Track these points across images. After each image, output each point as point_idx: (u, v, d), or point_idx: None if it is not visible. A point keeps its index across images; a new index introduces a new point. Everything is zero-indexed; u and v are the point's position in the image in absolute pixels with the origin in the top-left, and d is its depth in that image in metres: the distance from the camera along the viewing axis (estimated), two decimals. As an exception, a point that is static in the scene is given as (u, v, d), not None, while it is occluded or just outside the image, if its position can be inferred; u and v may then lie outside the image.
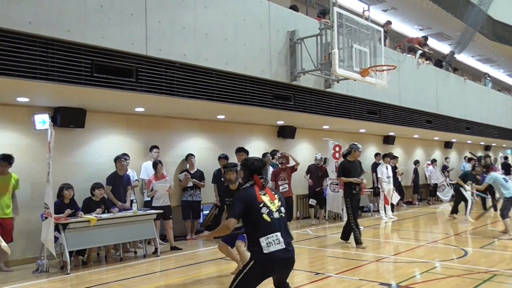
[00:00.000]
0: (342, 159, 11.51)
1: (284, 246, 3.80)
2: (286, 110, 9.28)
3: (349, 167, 8.75)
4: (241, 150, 9.14)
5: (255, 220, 3.81)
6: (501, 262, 7.22)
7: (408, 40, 15.22)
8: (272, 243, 3.76)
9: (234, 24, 8.05)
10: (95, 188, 7.83)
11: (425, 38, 15.06)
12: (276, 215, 3.88)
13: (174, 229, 9.01)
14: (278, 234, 3.80)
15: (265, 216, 3.82)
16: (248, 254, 6.04)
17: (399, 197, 13.31)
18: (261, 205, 3.85)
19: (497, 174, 10.09)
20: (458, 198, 12.44)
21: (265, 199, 3.91)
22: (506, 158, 20.15)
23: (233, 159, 9.41)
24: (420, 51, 14.44)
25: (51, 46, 5.85)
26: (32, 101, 7.49)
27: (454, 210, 12.53)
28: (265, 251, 3.73)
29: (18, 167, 7.34)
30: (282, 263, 3.81)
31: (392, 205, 13.47)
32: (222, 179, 6.67)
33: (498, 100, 19.73)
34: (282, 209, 3.97)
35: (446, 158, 19.64)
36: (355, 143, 8.89)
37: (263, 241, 3.74)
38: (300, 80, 9.15)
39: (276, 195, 4.03)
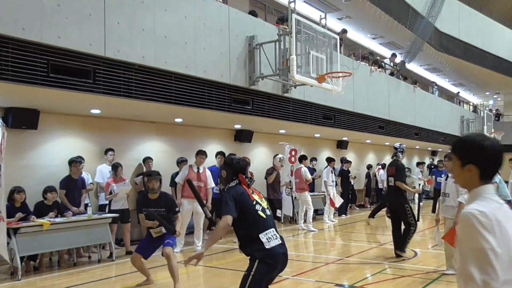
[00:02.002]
0: (298, 163, 11.81)
1: (280, 241, 3.79)
2: (244, 114, 9.36)
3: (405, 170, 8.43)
4: (203, 153, 9.16)
5: (251, 217, 3.75)
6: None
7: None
8: (271, 238, 3.73)
9: (193, 28, 8.05)
10: (47, 191, 7.60)
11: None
12: (268, 212, 3.89)
13: (131, 233, 8.88)
14: (274, 229, 3.80)
15: (261, 213, 3.79)
16: (178, 264, 6.06)
17: (342, 201, 13.56)
18: (254, 203, 3.81)
19: None
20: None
21: (255, 197, 3.89)
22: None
23: (191, 162, 9.40)
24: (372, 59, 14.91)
25: (5, 44, 5.66)
26: (-18, 100, 7.21)
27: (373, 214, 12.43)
28: (267, 246, 3.67)
29: (-35, 169, 7.03)
30: (282, 258, 3.78)
31: (336, 208, 13.74)
32: (144, 187, 6.26)
33: (444, 108, 20.67)
34: (268, 208, 3.98)
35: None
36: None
37: (263, 236, 3.69)
38: (258, 84, 9.25)
39: (261, 194, 4.03)
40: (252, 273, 3.64)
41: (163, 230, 6.04)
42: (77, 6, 6.32)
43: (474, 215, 1.86)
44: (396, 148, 8.36)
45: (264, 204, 3.93)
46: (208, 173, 9.20)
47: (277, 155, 11.29)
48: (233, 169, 3.98)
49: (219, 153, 10.38)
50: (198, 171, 8.98)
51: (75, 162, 8.15)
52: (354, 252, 8.91)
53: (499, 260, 1.80)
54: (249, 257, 3.79)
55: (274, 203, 11.69)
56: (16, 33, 5.69)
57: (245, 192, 3.85)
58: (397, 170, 8.07)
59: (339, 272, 7.35)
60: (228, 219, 3.66)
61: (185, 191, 8.82)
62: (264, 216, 3.80)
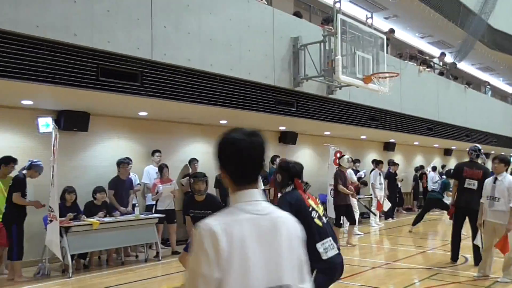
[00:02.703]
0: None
1: (338, 251, 3.64)
2: (289, 115, 9.32)
3: None
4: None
5: (307, 225, 3.44)
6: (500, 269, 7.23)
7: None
8: (328, 248, 3.57)
9: (238, 30, 8.09)
10: (96, 191, 7.84)
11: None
12: (324, 219, 3.70)
13: (177, 233, 9.02)
14: (331, 238, 3.62)
15: (317, 221, 3.61)
16: None
17: (390, 205, 13.25)
18: (310, 209, 3.64)
19: None
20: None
21: (311, 203, 3.71)
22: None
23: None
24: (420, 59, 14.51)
25: (57, 49, 5.88)
26: (36, 104, 7.52)
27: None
28: (324, 258, 3.52)
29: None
30: (340, 269, 3.65)
31: (384, 212, 13.44)
32: (191, 189, 6.14)
33: (497, 108, 19.82)
34: (326, 214, 3.80)
35: (443, 166, 19.68)
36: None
37: (320, 246, 3.53)
38: (303, 86, 9.19)
39: (317, 199, 3.84)
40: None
41: None
42: (126, 12, 6.48)
43: (201, 228, 1.61)
44: (479, 150, 7.76)
45: (320, 210, 3.73)
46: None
47: (343, 155, 10.41)
48: (288, 173, 3.83)
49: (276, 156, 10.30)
50: None
51: (123, 163, 8.36)
52: (401, 256, 8.68)
53: None
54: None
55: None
56: (68, 39, 5.90)
57: (302, 198, 3.68)
58: (484, 174, 7.39)
59: (385, 276, 7.17)
60: None
61: None
62: (320, 224, 3.62)
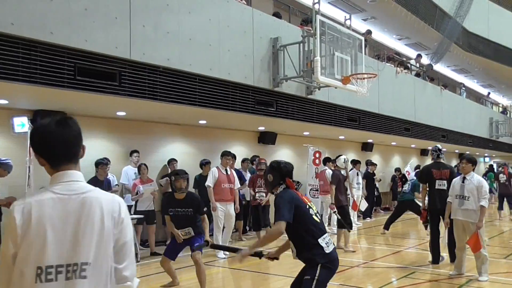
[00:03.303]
0: (322, 165, 11.71)
1: (335, 245, 3.75)
2: (268, 116, 9.34)
3: None
4: (228, 154, 9.06)
5: (307, 222, 3.63)
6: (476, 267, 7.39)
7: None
8: (329, 242, 3.66)
9: (218, 30, 8.08)
10: (74, 192, 7.72)
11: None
12: (319, 216, 3.80)
13: (156, 234, 8.96)
14: (327, 234, 3.74)
15: (315, 217, 3.69)
16: (204, 266, 6.02)
17: (367, 205, 13.37)
18: (307, 207, 3.70)
19: None
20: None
21: (306, 200, 3.78)
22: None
23: (216, 164, 9.42)
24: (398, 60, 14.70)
25: (33, 48, 5.78)
26: (12, 103, 7.38)
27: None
28: (327, 251, 3.59)
29: (-5, 170, 7.20)
30: (338, 262, 3.73)
31: (361, 211, 13.56)
32: (171, 187, 6.19)
33: (472, 109, 20.22)
34: (317, 211, 3.88)
35: (418, 167, 19.94)
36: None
37: (321, 241, 3.61)
38: (282, 86, 9.23)
39: (309, 198, 3.98)
40: (316, 277, 3.54)
41: (192, 232, 6.03)
42: (104, 10, 6.41)
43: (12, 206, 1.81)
44: (440, 150, 7.97)
45: (314, 208, 3.81)
46: (235, 174, 9.19)
47: (340, 155, 10.00)
48: (280, 173, 3.84)
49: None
50: (226, 172, 8.94)
51: (102, 164, 8.26)
52: (379, 256, 8.79)
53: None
54: (306, 263, 3.69)
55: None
56: (45, 37, 5.80)
57: (298, 196, 3.72)
58: (451, 174, 7.60)
59: (364, 275, 7.26)
60: (282, 225, 3.51)
61: (216, 194, 8.62)
62: (318, 220, 3.71)
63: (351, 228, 9.39)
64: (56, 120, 1.90)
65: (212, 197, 8.60)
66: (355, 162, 13.13)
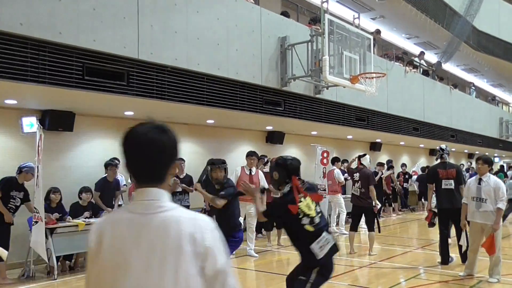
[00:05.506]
0: (330, 165, 11.65)
1: (334, 241, 3.67)
2: (276, 115, 9.31)
3: None
4: (252, 154, 8.92)
5: (297, 231, 3.61)
6: (486, 268, 7.32)
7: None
8: (323, 245, 3.58)
9: (226, 29, 8.06)
10: (82, 192, 7.75)
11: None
12: (317, 219, 3.62)
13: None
14: (325, 233, 3.61)
15: (308, 227, 3.57)
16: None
17: (379, 205, 13.29)
18: (300, 216, 3.57)
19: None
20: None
21: (303, 205, 3.59)
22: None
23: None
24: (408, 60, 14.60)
25: (42, 48, 5.79)
26: (20, 103, 7.41)
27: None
28: (319, 257, 3.56)
29: (4, 170, 7.24)
30: (333, 268, 3.74)
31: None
32: (210, 178, 6.01)
33: (482, 109, 20.05)
34: (318, 208, 3.70)
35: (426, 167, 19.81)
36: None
37: (314, 247, 3.55)
38: (290, 86, 9.19)
39: (321, 195, 3.95)
40: (310, 280, 3.55)
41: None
42: (112, 10, 6.41)
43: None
44: (443, 150, 7.91)
45: (313, 212, 3.62)
46: (261, 174, 9.07)
47: (364, 155, 9.62)
48: (286, 170, 3.67)
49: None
50: (250, 173, 8.87)
51: (112, 165, 8.22)
52: (388, 256, 8.73)
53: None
54: (305, 262, 3.71)
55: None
56: (53, 37, 5.82)
57: (288, 209, 3.56)
58: (458, 173, 7.64)
59: (372, 276, 7.21)
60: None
61: None
62: (311, 229, 3.56)
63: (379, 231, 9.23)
64: (148, 128, 1.70)
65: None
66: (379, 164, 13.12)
